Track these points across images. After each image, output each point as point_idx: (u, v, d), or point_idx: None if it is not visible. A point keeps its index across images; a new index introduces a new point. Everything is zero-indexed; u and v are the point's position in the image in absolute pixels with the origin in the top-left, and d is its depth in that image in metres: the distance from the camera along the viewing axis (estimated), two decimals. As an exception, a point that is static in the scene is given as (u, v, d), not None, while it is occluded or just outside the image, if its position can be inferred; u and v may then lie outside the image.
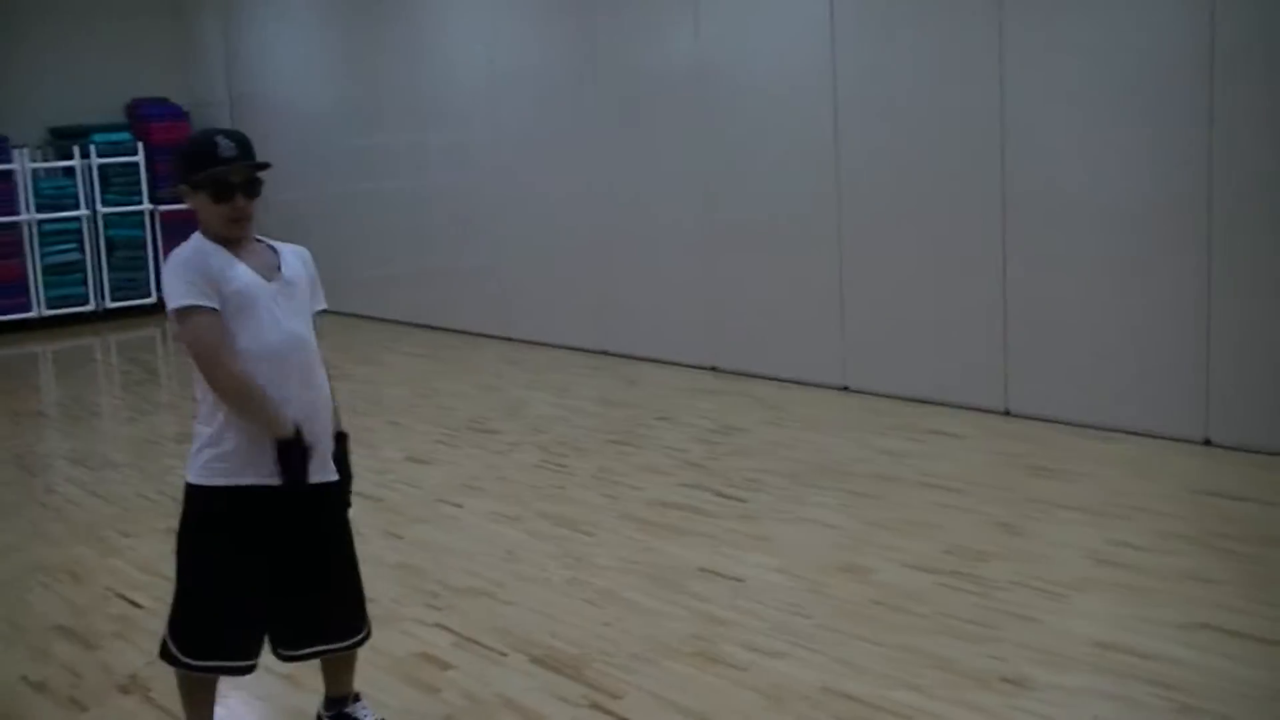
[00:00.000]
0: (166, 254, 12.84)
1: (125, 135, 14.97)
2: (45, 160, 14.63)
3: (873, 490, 6.72)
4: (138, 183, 14.81)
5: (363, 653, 4.43)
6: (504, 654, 4.89)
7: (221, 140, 3.76)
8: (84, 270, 14.63)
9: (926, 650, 4.71)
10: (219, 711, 4.23)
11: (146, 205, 14.84)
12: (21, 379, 12.59)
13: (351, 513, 4.08)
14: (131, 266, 14.89)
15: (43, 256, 14.34)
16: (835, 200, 8.76)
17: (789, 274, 9.17)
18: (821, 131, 8.77)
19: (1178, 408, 7.25)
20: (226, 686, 4.53)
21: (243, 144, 3.78)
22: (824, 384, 8.99)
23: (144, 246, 14.94)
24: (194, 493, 3.91)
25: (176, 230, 14.45)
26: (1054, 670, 4.48)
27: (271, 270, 3.82)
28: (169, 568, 6.03)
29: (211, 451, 3.82)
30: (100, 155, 14.63)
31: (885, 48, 8.44)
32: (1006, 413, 7.99)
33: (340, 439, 4.05)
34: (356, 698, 4.28)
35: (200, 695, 4.08)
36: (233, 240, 3.79)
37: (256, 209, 3.82)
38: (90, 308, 14.70)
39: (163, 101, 15.45)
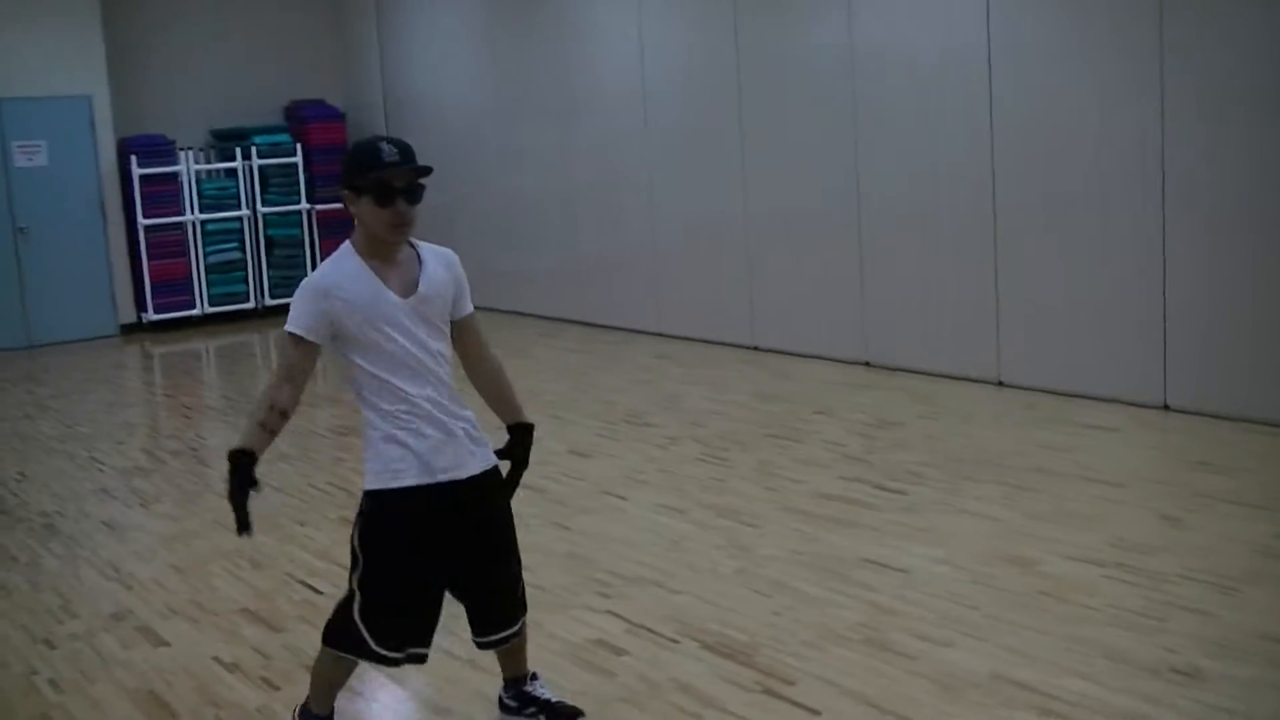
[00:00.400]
0: (324, 252, 13.30)
1: (284, 137, 15.38)
2: (209, 162, 15.09)
3: (1032, 483, 6.72)
4: (296, 183, 15.22)
5: (537, 637, 4.58)
6: (675, 640, 5.01)
7: (385, 145, 3.88)
8: (245, 268, 15.07)
9: (1096, 640, 4.74)
10: (407, 693, 4.40)
11: (304, 205, 15.25)
12: (189, 374, 13.03)
13: (514, 502, 4.23)
14: (290, 265, 15.28)
15: (206, 255, 14.80)
16: (989, 192, 8.75)
17: (942, 267, 9.18)
18: (976, 122, 8.76)
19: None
20: (411, 671, 4.72)
21: (405, 150, 3.89)
22: (977, 378, 8.98)
23: (302, 245, 15.33)
24: (368, 497, 4.06)
25: (333, 229, 14.96)
26: (1227, 662, 4.48)
27: (410, 286, 3.94)
28: (345, 556, 6.29)
29: (376, 458, 3.99)
30: (261, 156, 15.07)
31: (1042, 32, 8.40)
32: (1165, 407, 7.93)
33: (524, 430, 4.22)
34: (534, 676, 4.42)
35: (341, 676, 4.27)
36: (390, 244, 3.92)
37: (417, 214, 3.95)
38: (250, 305, 15.14)
39: (320, 103, 15.84)
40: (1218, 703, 4.20)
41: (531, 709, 4.33)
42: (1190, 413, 7.80)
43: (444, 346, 4.04)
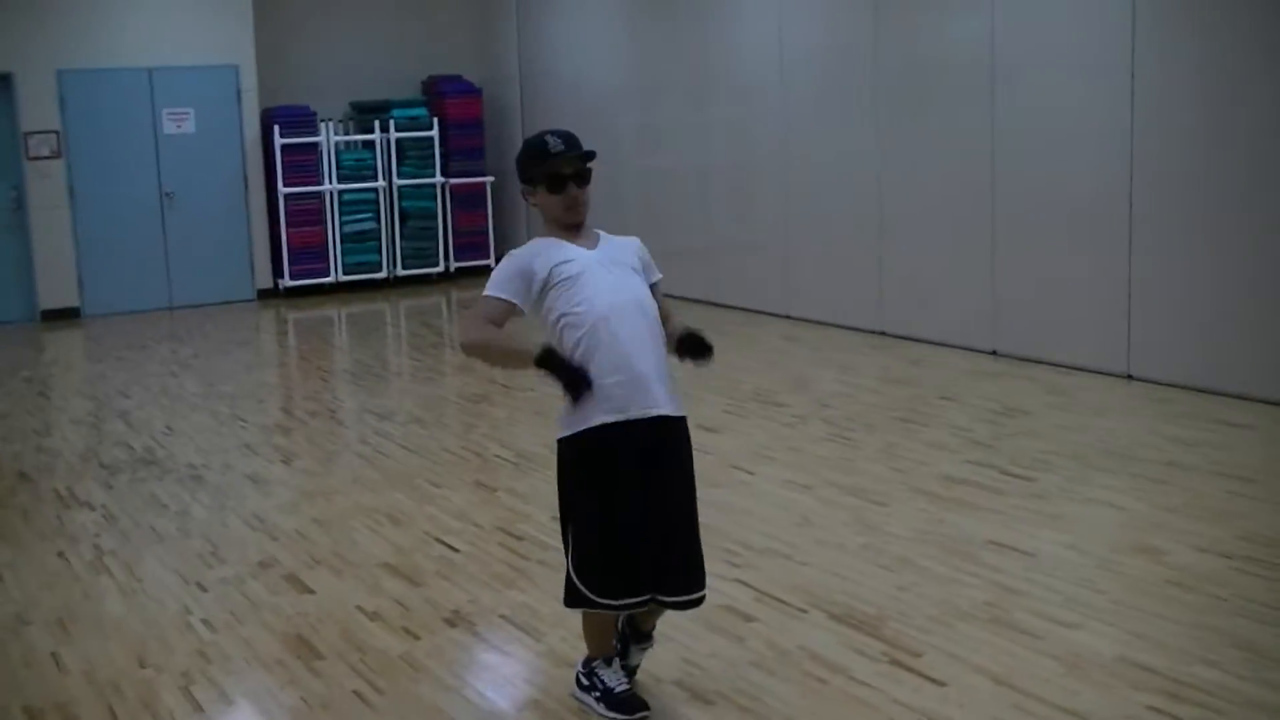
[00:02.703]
0: (456, 225, 13.65)
1: (421, 111, 15.63)
2: (348, 133, 15.39)
3: (1162, 476, 6.72)
4: (432, 156, 15.46)
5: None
6: (804, 610, 5.12)
7: (550, 138, 4.23)
8: (379, 239, 15.35)
9: (1224, 630, 4.77)
10: (542, 647, 4.56)
11: (439, 178, 15.50)
12: (324, 340, 13.35)
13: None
14: (423, 236, 15.55)
15: (342, 225, 15.11)
16: (1126, 188, 8.70)
17: (1075, 261, 9.15)
18: (1115, 119, 8.71)
19: None
20: (548, 625, 4.91)
21: (569, 139, 4.23)
22: (1106, 371, 8.94)
23: (435, 217, 15.58)
24: (562, 445, 4.17)
25: (467, 202, 15.30)
26: (1357, 656, 4.51)
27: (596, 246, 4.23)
28: (481, 517, 6.53)
29: (564, 405, 4.12)
30: (398, 129, 15.33)
31: (1187, 34, 8.34)
32: (1301, 406, 7.88)
33: (692, 340, 4.37)
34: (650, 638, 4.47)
35: (609, 628, 4.35)
36: (570, 226, 4.22)
37: (591, 196, 4.25)
38: (382, 275, 15.43)
39: (457, 79, 16.08)
40: (1347, 695, 4.23)
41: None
42: (1326, 412, 7.75)
43: (644, 294, 4.23)
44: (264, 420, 9.02)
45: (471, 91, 15.96)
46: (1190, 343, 8.48)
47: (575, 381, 4.00)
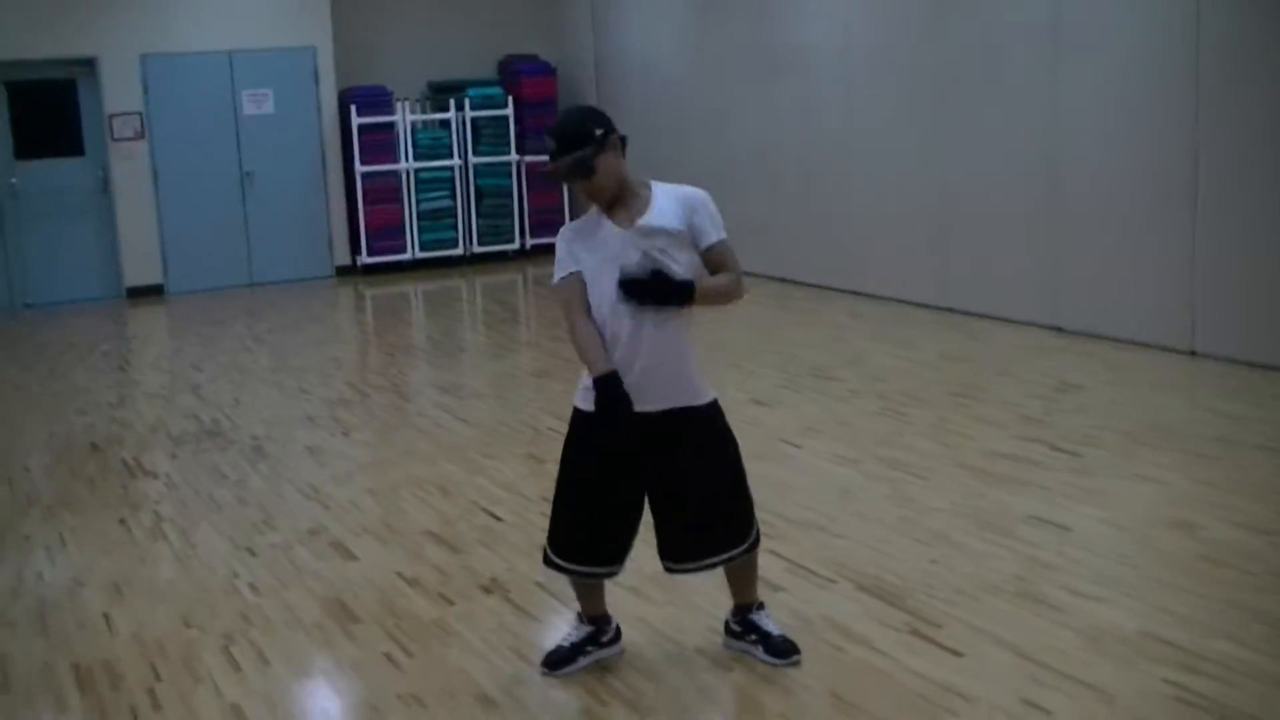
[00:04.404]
0: (532, 203, 13.62)
1: (497, 90, 15.73)
2: (424, 113, 15.55)
3: (1211, 452, 6.68)
4: (507, 135, 15.58)
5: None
6: (832, 580, 5.19)
7: (546, 139, 4.30)
8: (455, 216, 15.52)
9: (1252, 606, 4.76)
10: (564, 617, 4.66)
11: (514, 156, 15.61)
12: (396, 316, 13.54)
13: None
14: (498, 214, 15.69)
15: (419, 203, 15.28)
16: (1190, 161, 8.63)
17: (1140, 236, 9.08)
18: (1179, 93, 8.64)
19: None
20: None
21: (559, 139, 4.23)
22: (1169, 347, 8.87)
23: (510, 195, 15.71)
24: (573, 415, 4.37)
25: (540, 182, 15.32)
26: (1384, 633, 4.49)
27: (634, 219, 4.27)
28: (528, 488, 6.64)
29: (584, 380, 4.29)
30: (474, 109, 15.46)
31: (1253, 8, 8.25)
32: (1362, 383, 7.79)
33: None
34: (760, 606, 4.62)
35: (581, 590, 4.56)
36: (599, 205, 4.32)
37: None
38: (458, 252, 15.59)
39: (532, 59, 16.18)
40: (1367, 670, 4.22)
41: (752, 636, 4.55)
42: (1386, 390, 7.65)
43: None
44: (329, 394, 9.19)
45: (546, 71, 16.05)
46: (1252, 319, 8.40)
47: (607, 412, 4.17)
